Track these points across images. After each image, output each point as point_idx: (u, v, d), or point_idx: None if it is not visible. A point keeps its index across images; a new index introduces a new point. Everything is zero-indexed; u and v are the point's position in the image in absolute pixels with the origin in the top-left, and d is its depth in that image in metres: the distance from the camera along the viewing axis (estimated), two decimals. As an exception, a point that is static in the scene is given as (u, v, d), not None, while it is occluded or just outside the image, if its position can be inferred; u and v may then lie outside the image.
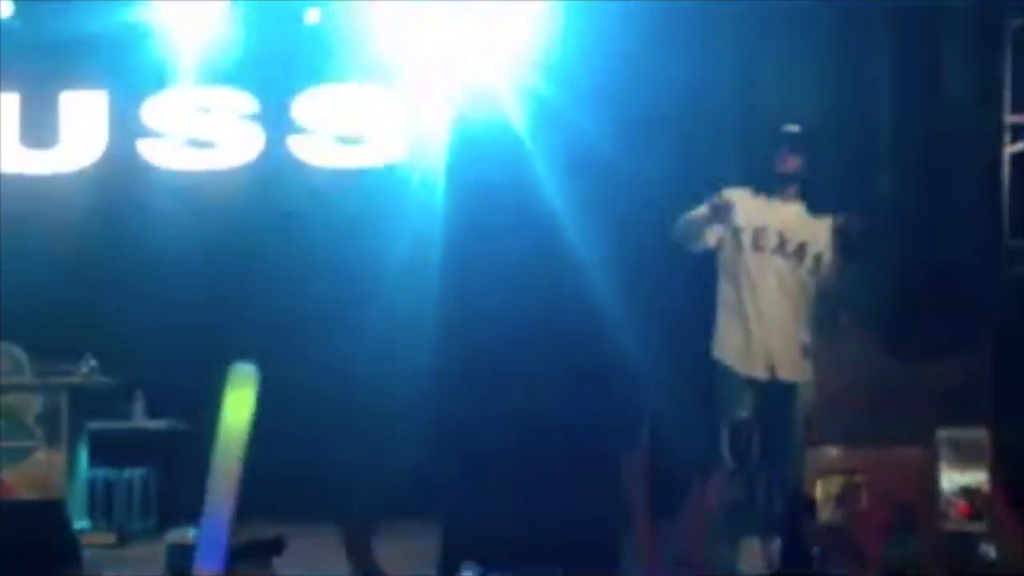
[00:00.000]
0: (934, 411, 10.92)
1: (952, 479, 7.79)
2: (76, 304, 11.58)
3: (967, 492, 7.69)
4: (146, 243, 11.81)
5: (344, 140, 12.23)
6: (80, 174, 12.18)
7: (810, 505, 7.37)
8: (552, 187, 11.70)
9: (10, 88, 12.00)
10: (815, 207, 7.53)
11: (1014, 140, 9.73)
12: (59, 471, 9.78)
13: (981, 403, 10.74)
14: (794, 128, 7.70)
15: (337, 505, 7.20)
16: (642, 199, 10.60)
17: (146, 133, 12.22)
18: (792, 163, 7.50)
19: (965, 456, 7.80)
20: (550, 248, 11.62)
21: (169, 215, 11.87)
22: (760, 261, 7.45)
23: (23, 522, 7.53)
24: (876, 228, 11.03)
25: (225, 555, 5.96)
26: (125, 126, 12.20)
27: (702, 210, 7.45)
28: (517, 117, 11.80)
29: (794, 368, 7.42)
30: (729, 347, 7.48)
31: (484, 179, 11.77)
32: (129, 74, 12.06)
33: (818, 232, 7.47)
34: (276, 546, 7.79)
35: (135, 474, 10.61)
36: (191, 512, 11.04)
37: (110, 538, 9.71)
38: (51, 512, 7.88)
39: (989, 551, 7.60)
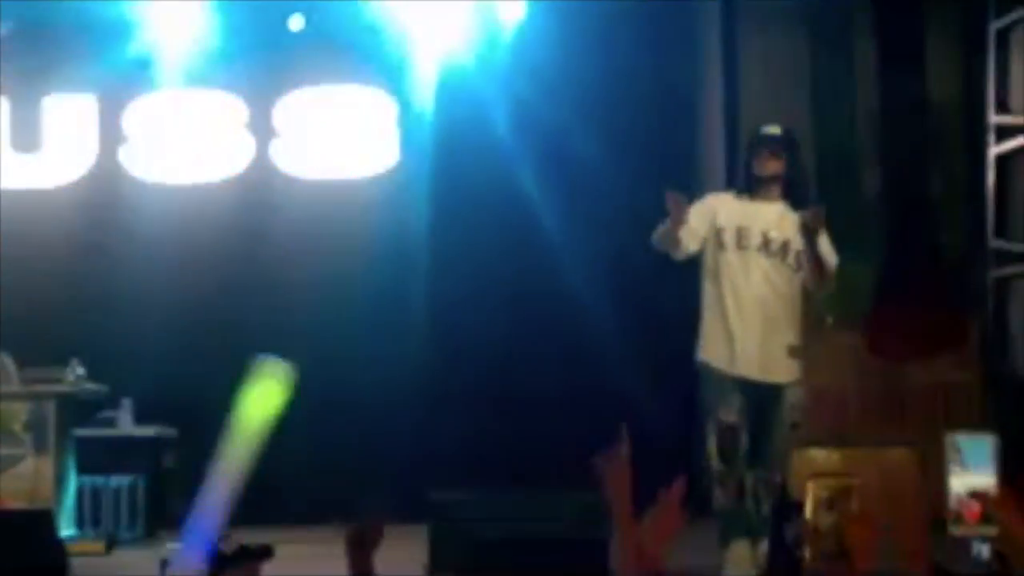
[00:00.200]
0: (920, 412, 10.96)
1: (962, 482, 7.79)
2: (64, 311, 11.57)
3: (977, 495, 7.69)
4: (134, 251, 11.79)
5: (329, 146, 12.24)
6: (67, 182, 12.16)
7: (798, 507, 7.37)
8: (537, 191, 11.71)
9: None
10: (799, 206, 7.53)
11: (998, 141, 9.75)
12: (47, 479, 9.75)
13: (968, 403, 10.78)
14: (774, 130, 7.70)
15: (338, 509, 7.18)
16: (629, 202, 10.62)
17: (133, 140, 12.21)
18: (773, 165, 7.49)
19: (975, 459, 7.80)
20: (536, 252, 11.64)
21: (157, 223, 11.84)
22: (744, 260, 7.43)
23: (10, 532, 7.51)
24: (861, 226, 11.15)
25: (211, 556, 5.94)
26: (113, 133, 12.18)
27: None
28: (501, 121, 11.81)
29: (779, 369, 7.40)
30: (713, 348, 7.47)
31: (468, 184, 11.79)
32: (116, 80, 12.04)
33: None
34: (265, 553, 7.77)
35: (123, 482, 10.59)
36: (179, 520, 11.09)
37: (98, 546, 9.67)
38: (39, 522, 7.86)
39: (982, 551, 7.60)
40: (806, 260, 7.33)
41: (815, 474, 8.71)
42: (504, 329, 11.68)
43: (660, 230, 7.43)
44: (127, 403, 10.82)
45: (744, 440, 7.36)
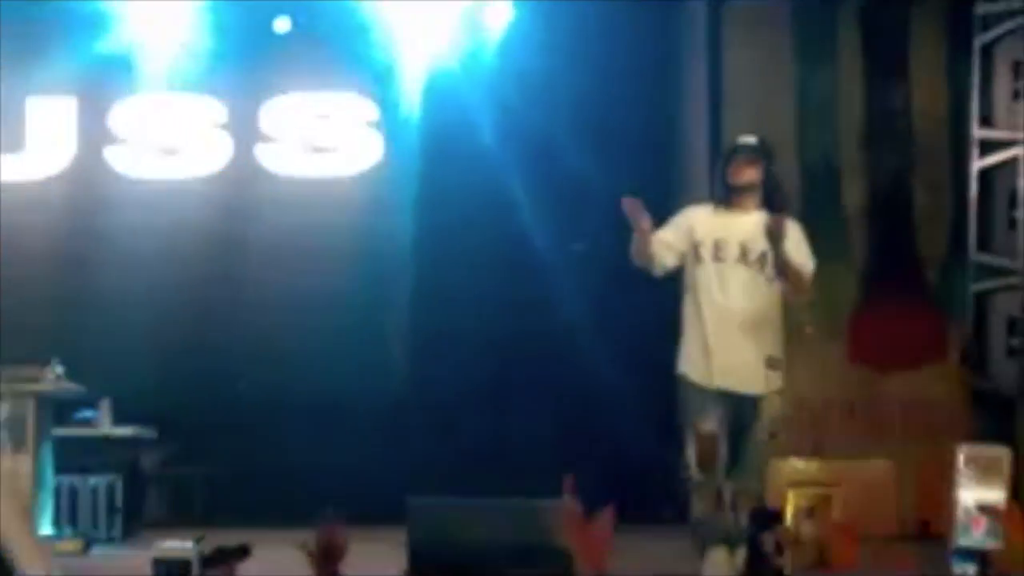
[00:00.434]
0: (900, 424, 10.99)
1: (972, 495, 7.79)
2: (44, 311, 11.55)
3: (985, 509, 7.70)
4: (115, 251, 11.78)
5: (313, 148, 12.24)
6: (48, 180, 12.14)
7: (776, 516, 7.37)
8: (520, 196, 11.73)
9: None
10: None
11: (981, 155, 9.77)
12: (25, 478, 9.72)
13: (948, 416, 10.80)
14: (749, 139, 7.69)
15: (308, 510, 7.18)
16: (612, 208, 10.63)
17: (115, 140, 12.19)
18: (749, 173, 7.47)
19: (985, 473, 7.81)
20: (519, 258, 11.66)
21: (138, 223, 11.84)
22: (721, 272, 7.40)
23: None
24: (843, 237, 11.18)
25: None
26: (94, 132, 12.16)
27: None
28: (485, 124, 11.83)
29: (758, 380, 7.36)
30: (691, 362, 7.46)
31: (452, 187, 11.79)
32: (98, 80, 12.03)
33: None
34: (242, 553, 7.77)
35: (100, 481, 10.56)
36: (155, 520, 11.08)
37: (75, 545, 9.65)
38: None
39: (967, 570, 7.62)
40: (774, 267, 7.30)
41: (795, 483, 8.73)
42: (486, 333, 11.68)
43: (633, 244, 7.42)
44: (106, 403, 10.80)
45: (723, 449, 7.35)
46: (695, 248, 7.44)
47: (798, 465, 10.18)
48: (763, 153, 7.55)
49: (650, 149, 11.91)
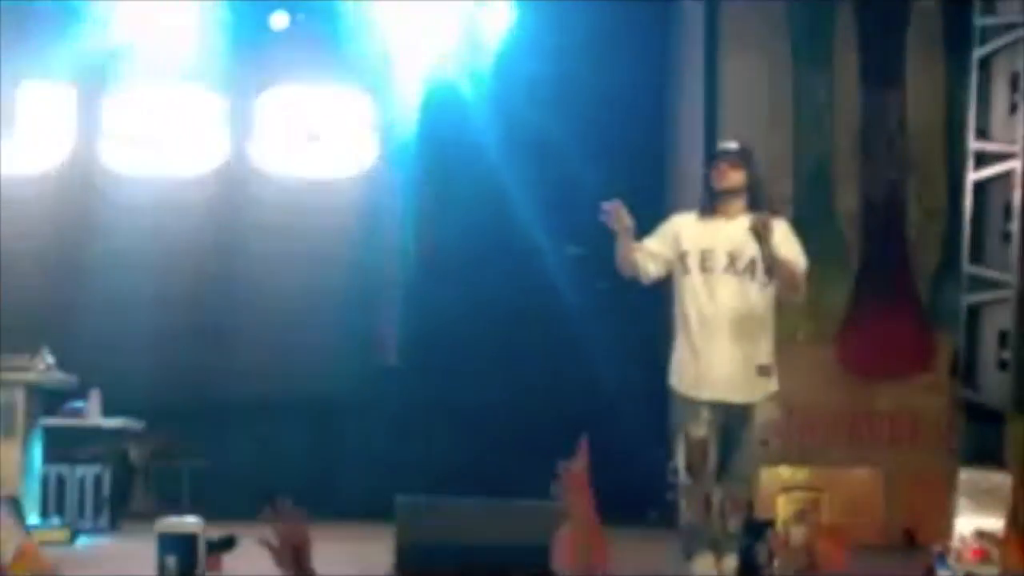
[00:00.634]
0: (887, 434, 11.00)
1: (969, 521, 7.77)
2: (35, 301, 11.55)
3: (982, 535, 7.68)
4: (108, 243, 11.78)
5: (309, 147, 12.25)
6: (42, 171, 12.13)
7: (768, 522, 7.38)
8: (515, 199, 11.74)
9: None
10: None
11: (976, 167, 9.77)
12: (14, 466, 9.72)
13: (935, 428, 10.82)
14: (730, 144, 7.71)
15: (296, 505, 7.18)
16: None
17: (109, 132, 12.19)
18: (733, 177, 7.45)
19: (985, 499, 7.79)
20: (513, 262, 11.66)
21: (131, 215, 11.84)
22: (709, 282, 7.37)
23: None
24: (836, 245, 11.19)
25: None
26: (90, 124, 12.15)
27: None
28: (482, 125, 11.83)
29: (748, 388, 7.36)
30: (680, 374, 7.45)
31: (447, 187, 11.80)
32: (94, 71, 12.02)
33: None
34: (228, 545, 7.77)
35: (88, 472, 10.57)
36: (141, 512, 11.07)
37: (62, 535, 9.64)
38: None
39: None
40: (764, 267, 7.28)
41: (785, 488, 8.74)
42: (479, 335, 11.69)
43: (616, 251, 7.42)
44: (95, 394, 10.80)
45: (713, 455, 7.35)
46: (682, 259, 7.43)
47: (784, 473, 10.19)
48: (745, 158, 7.55)
49: (646, 151, 11.92)
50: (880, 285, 11.27)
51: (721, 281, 7.37)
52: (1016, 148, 9.28)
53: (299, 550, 4.13)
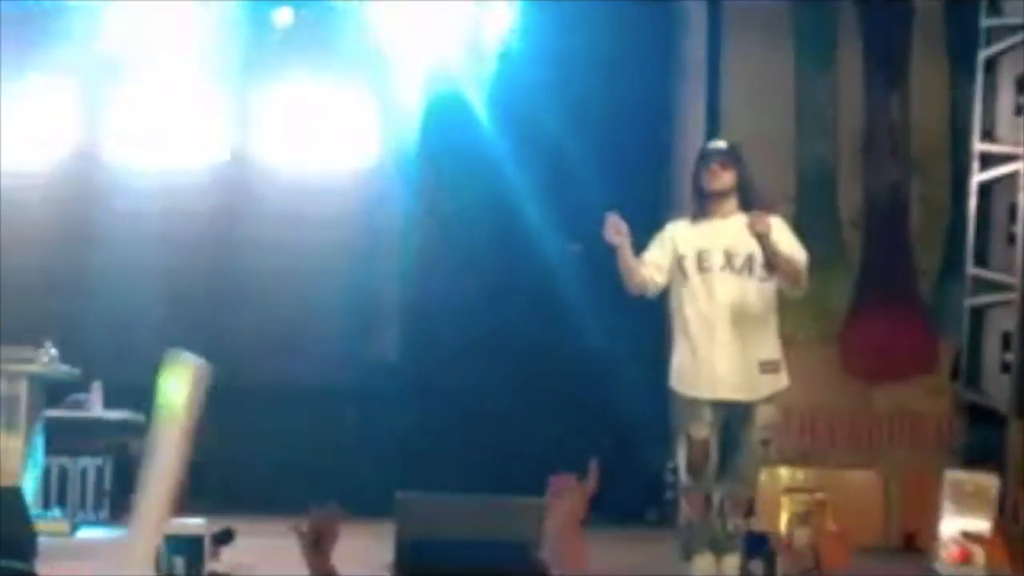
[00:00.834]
0: (888, 436, 11.01)
1: (953, 522, 7.75)
2: (38, 293, 11.55)
3: (967, 536, 7.67)
4: (111, 235, 11.78)
5: (312, 141, 12.25)
6: (44, 166, 12.14)
7: (765, 534, 7.38)
8: (517, 197, 11.74)
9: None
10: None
11: (981, 169, 9.77)
12: (16, 458, 9.72)
13: (936, 431, 10.82)
14: (719, 144, 7.73)
15: (295, 500, 7.18)
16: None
17: (111, 129, 12.19)
18: (724, 176, 7.46)
19: (970, 501, 7.78)
20: (516, 259, 11.67)
21: (133, 209, 11.84)
22: (707, 282, 7.37)
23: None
24: (838, 245, 11.20)
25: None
26: (93, 118, 12.16)
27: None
28: (484, 124, 11.84)
29: (750, 387, 7.36)
30: (681, 376, 7.45)
31: (449, 185, 11.80)
32: (95, 66, 12.03)
33: None
34: (226, 538, 7.77)
35: (90, 464, 10.58)
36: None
37: (63, 527, 9.66)
38: (7, 499, 7.82)
39: None
40: (764, 263, 7.29)
41: (789, 489, 8.73)
42: (479, 333, 11.69)
43: (619, 266, 7.40)
44: (97, 386, 10.81)
45: (714, 455, 7.35)
46: (679, 263, 7.43)
47: (784, 474, 10.19)
48: (734, 157, 7.56)
49: (648, 151, 11.91)
50: (882, 286, 11.27)
51: (719, 279, 7.38)
52: (1021, 150, 9.28)
53: (323, 538, 4.18)
